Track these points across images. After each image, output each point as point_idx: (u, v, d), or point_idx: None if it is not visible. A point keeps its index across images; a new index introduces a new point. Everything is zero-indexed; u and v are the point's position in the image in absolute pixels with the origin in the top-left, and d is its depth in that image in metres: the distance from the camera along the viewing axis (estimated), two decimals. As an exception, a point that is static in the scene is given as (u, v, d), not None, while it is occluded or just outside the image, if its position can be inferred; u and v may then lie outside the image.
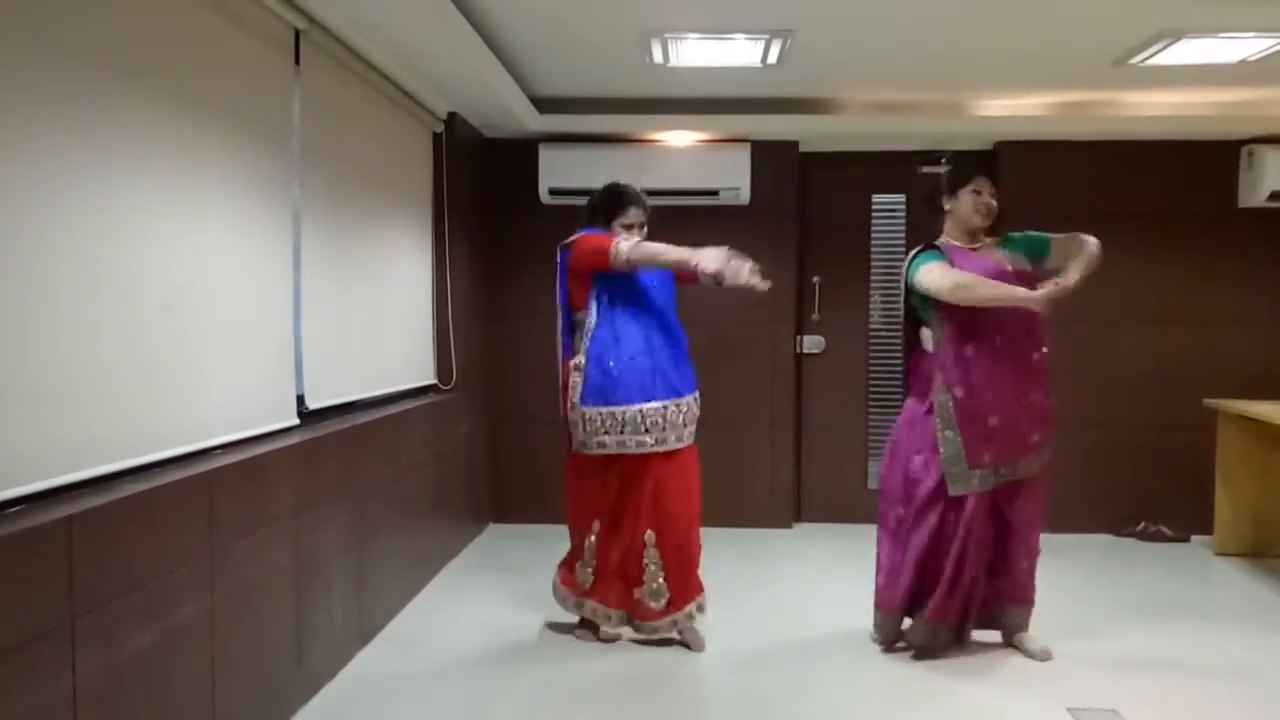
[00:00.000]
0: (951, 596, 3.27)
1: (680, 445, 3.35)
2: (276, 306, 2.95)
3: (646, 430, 3.27)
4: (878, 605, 3.45)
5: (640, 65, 4.13)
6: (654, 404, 3.27)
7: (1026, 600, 3.40)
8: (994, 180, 3.32)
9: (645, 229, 3.45)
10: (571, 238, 3.40)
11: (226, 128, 2.63)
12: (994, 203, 3.28)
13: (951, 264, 3.21)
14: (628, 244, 3.24)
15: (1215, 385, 4.96)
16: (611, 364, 3.27)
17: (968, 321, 3.20)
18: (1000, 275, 3.20)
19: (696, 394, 3.44)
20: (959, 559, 3.24)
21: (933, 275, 3.17)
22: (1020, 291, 3.12)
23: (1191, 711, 2.95)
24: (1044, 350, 3.28)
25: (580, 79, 4.49)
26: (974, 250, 3.30)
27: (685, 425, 3.37)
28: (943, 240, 3.35)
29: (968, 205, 3.29)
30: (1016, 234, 3.38)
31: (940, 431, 3.23)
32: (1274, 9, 3.33)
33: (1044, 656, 3.34)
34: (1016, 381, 3.21)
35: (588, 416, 3.28)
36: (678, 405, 3.33)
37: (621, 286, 3.34)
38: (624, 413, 3.26)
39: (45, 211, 1.92)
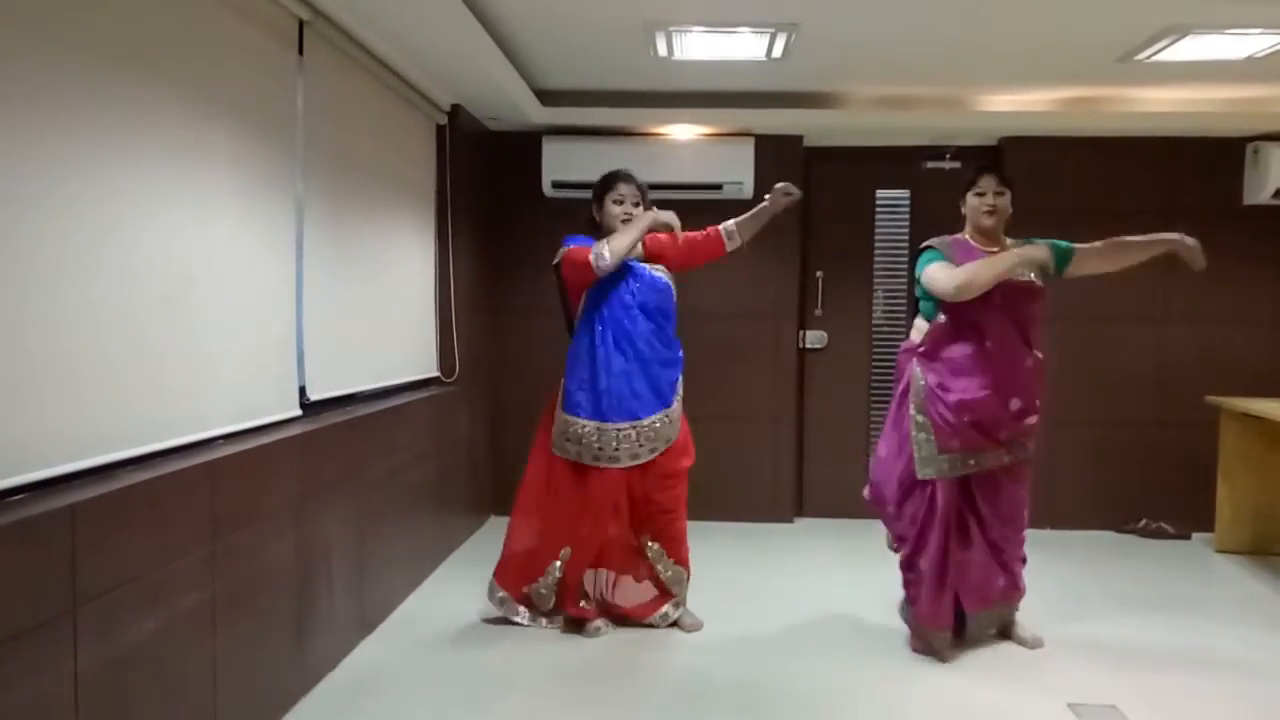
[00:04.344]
0: (942, 593, 3.26)
1: (635, 462, 3.43)
2: (279, 297, 2.95)
3: (600, 449, 3.41)
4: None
5: (644, 58, 4.13)
6: (606, 424, 3.39)
7: (1017, 590, 3.42)
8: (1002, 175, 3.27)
9: (640, 207, 3.46)
10: (560, 253, 3.44)
11: (229, 119, 2.62)
12: (997, 203, 3.22)
13: (954, 262, 3.18)
14: (601, 243, 3.31)
15: (1217, 383, 4.96)
16: (572, 383, 3.46)
17: (964, 321, 3.19)
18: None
19: (665, 412, 3.46)
20: (939, 553, 3.24)
21: (939, 279, 3.15)
22: (1014, 256, 3.09)
23: (1190, 708, 2.95)
24: (1038, 356, 3.25)
25: (584, 72, 4.48)
26: (990, 252, 3.21)
27: (642, 444, 3.43)
28: (958, 237, 3.31)
29: (973, 207, 3.27)
30: (1041, 241, 3.26)
31: (913, 415, 3.25)
32: (1281, 5, 3.32)
33: (1035, 644, 3.36)
34: (1001, 384, 3.17)
35: (562, 420, 3.48)
36: (634, 428, 3.41)
37: (599, 305, 3.42)
38: (581, 427, 3.43)
39: (48, 202, 1.92)
